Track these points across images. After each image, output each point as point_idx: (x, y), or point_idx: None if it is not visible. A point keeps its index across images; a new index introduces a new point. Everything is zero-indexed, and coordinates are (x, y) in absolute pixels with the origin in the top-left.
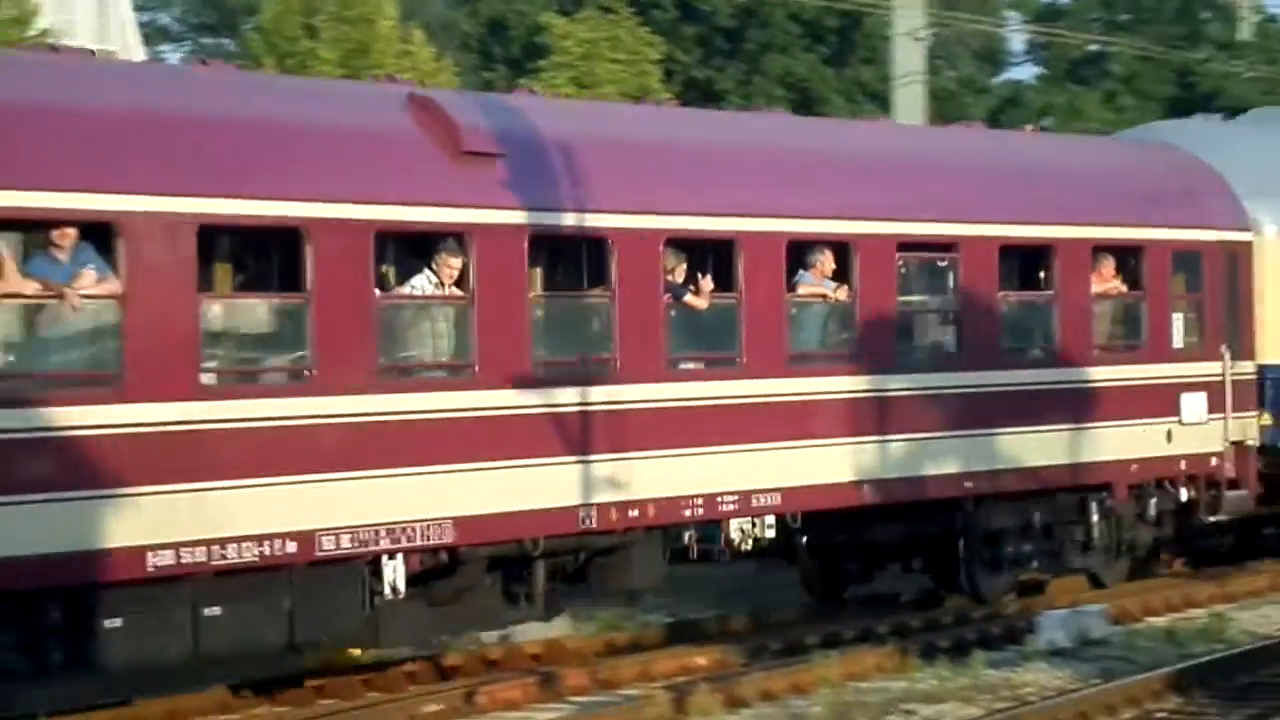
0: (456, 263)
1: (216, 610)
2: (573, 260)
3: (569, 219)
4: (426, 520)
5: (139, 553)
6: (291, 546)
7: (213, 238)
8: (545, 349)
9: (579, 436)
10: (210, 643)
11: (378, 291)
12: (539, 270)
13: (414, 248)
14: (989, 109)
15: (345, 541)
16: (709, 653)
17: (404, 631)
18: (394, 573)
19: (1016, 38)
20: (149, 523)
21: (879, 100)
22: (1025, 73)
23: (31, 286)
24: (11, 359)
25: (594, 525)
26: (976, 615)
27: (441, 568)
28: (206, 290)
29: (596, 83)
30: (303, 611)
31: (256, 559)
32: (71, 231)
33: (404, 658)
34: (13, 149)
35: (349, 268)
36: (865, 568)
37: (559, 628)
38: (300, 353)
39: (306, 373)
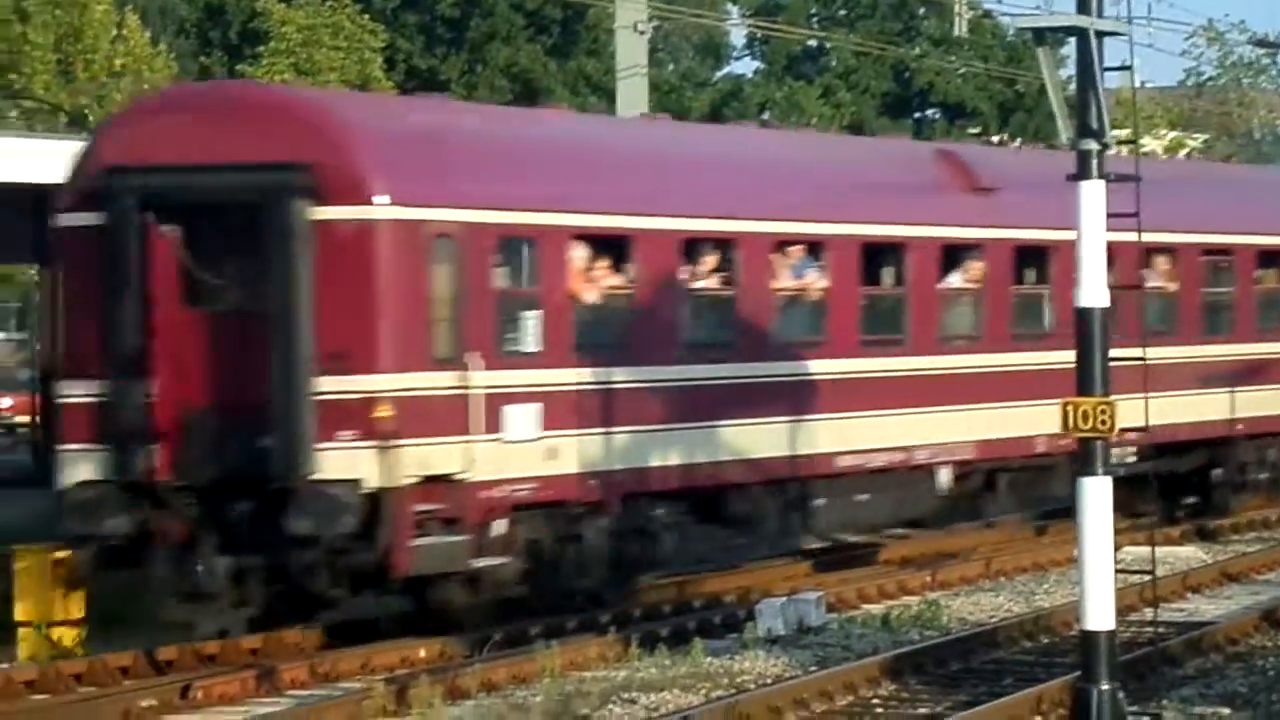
0: (979, 266)
1: (865, 496)
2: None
3: (1032, 234)
4: (962, 442)
5: (831, 457)
6: (900, 457)
7: (873, 254)
8: (1017, 326)
9: (1030, 385)
10: (860, 517)
11: (938, 286)
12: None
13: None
14: (710, 102)
15: (925, 455)
16: (430, 645)
17: (946, 516)
18: (944, 477)
19: (737, 32)
20: (837, 437)
21: (602, 92)
22: (745, 67)
23: (793, 284)
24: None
25: (1041, 450)
26: (697, 605)
27: (963, 476)
28: (863, 285)
29: (317, 70)
30: (898, 500)
31: (883, 464)
32: (798, 248)
33: (119, 650)
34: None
35: (927, 270)
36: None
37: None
38: (899, 327)
39: (901, 341)
